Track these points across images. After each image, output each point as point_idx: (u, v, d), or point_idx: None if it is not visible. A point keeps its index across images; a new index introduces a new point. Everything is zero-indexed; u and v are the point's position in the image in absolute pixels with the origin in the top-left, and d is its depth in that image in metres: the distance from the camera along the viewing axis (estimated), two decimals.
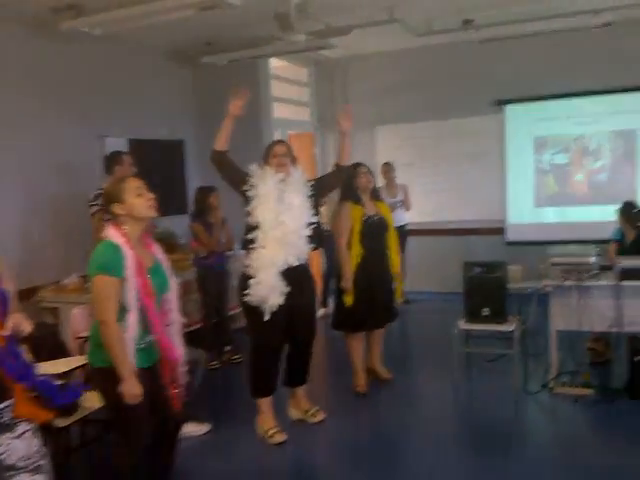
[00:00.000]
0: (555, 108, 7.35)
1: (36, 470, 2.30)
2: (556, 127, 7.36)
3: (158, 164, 6.57)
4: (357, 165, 4.73)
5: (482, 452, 3.83)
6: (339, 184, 4.39)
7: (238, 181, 3.88)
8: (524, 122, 7.50)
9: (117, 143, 6.07)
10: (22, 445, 2.28)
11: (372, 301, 4.62)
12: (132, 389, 2.61)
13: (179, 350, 2.89)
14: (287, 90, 8.21)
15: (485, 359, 5.04)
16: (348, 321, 4.69)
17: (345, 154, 4.15)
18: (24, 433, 2.31)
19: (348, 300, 4.58)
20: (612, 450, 3.73)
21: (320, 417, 4.27)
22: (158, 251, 2.89)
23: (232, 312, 5.89)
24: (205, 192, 5.64)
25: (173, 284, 2.90)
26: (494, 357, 4.96)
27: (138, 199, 2.73)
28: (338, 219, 4.66)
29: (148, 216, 2.78)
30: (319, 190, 4.04)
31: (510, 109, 7.57)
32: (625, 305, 4.29)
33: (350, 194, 4.66)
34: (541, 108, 7.42)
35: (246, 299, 3.85)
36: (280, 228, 3.77)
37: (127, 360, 2.62)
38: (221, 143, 3.85)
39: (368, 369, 4.96)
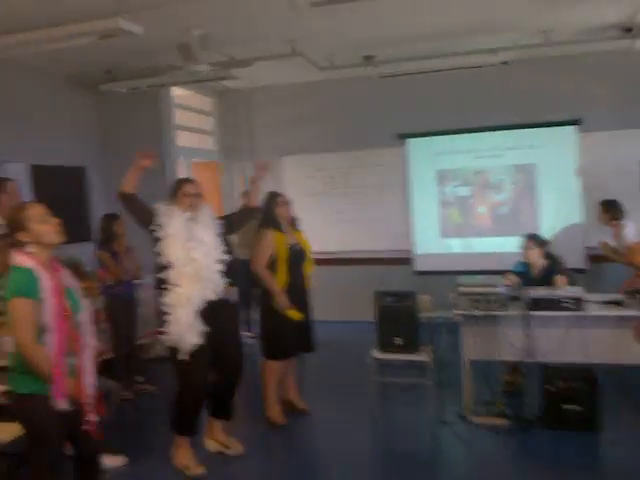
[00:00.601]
0: (455, 142, 7.57)
1: None
2: (457, 161, 7.57)
3: (60, 190, 6.42)
4: (276, 195, 4.73)
5: None
6: (248, 222, 4.43)
7: (145, 220, 3.83)
8: (426, 155, 7.68)
9: (17, 168, 5.89)
10: None
11: (298, 327, 4.61)
12: None
13: (92, 376, 2.86)
14: (191, 119, 8.09)
15: (400, 388, 5.04)
16: (281, 346, 4.63)
17: (254, 198, 4.35)
18: None
19: (295, 315, 4.56)
20: (526, 478, 3.76)
21: (238, 449, 4.20)
22: (66, 275, 2.86)
23: (142, 341, 5.84)
24: (110, 220, 5.55)
25: (85, 307, 2.89)
26: (408, 387, 4.96)
27: (43, 226, 2.72)
28: (259, 246, 4.59)
29: (55, 242, 2.77)
30: (228, 228, 4.10)
31: (412, 142, 7.73)
32: (535, 335, 4.37)
33: (271, 222, 4.63)
34: (441, 142, 7.62)
35: (163, 338, 3.76)
36: (192, 265, 3.75)
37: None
38: (128, 186, 3.79)
39: (283, 400, 4.87)
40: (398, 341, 4.68)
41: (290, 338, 4.62)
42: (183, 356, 3.73)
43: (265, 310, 4.68)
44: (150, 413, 5.08)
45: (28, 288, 2.61)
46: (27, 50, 5.03)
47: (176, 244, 3.75)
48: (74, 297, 2.83)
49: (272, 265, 4.57)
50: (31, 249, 2.69)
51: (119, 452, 4.07)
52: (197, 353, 3.75)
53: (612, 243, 5.79)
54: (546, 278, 4.89)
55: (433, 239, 7.69)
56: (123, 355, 5.49)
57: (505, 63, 6.48)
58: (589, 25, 5.96)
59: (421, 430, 4.57)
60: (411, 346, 4.66)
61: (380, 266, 7.72)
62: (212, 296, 3.82)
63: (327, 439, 4.50)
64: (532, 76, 7.19)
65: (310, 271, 4.87)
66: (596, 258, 6.67)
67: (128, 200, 3.79)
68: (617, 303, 4.44)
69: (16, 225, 2.71)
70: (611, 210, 5.91)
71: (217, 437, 4.22)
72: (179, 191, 3.89)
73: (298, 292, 4.66)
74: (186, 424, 3.94)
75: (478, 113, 7.35)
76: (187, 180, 4.07)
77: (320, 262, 7.67)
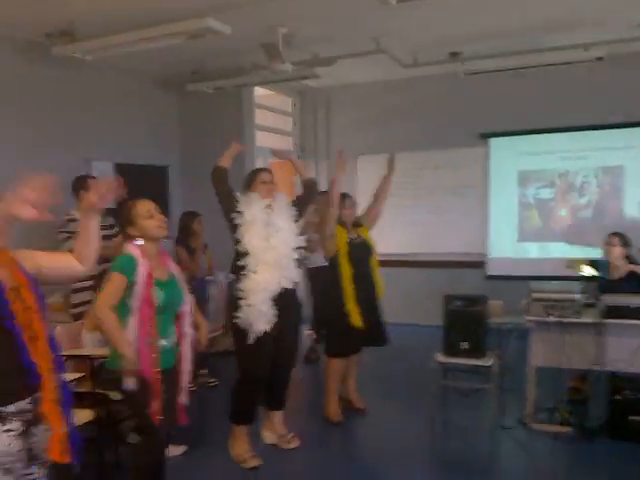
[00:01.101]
0: (540, 142, 7.36)
1: (7, 471, 2.16)
2: (541, 162, 7.36)
3: (143, 188, 6.54)
4: (343, 196, 4.78)
5: None
6: (313, 199, 4.48)
7: (228, 204, 3.92)
8: (508, 156, 7.51)
9: (103, 167, 6.18)
10: (3, 440, 2.11)
11: (368, 322, 4.63)
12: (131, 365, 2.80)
13: (189, 364, 3.13)
14: (270, 119, 8.25)
15: (462, 393, 4.97)
16: (345, 345, 4.67)
17: (334, 195, 4.52)
18: (12, 430, 2.12)
19: (356, 321, 4.56)
20: None
21: (295, 443, 4.26)
22: (174, 267, 3.12)
23: (211, 335, 5.87)
24: (189, 217, 5.73)
25: (188, 299, 3.12)
26: (470, 391, 4.89)
27: (149, 221, 2.97)
28: (324, 223, 4.67)
29: (158, 236, 3.01)
30: (300, 210, 4.15)
31: (494, 142, 7.58)
32: (607, 343, 4.23)
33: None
34: (526, 142, 7.43)
35: (235, 320, 3.84)
36: (271, 253, 3.83)
37: (126, 342, 2.81)
38: (225, 160, 3.95)
39: (341, 397, 4.90)
40: (464, 345, 4.59)
41: (354, 336, 4.63)
42: (250, 341, 3.80)
43: (328, 306, 4.73)
44: (212, 405, 5.20)
45: (127, 268, 2.87)
46: (118, 51, 5.25)
47: (255, 231, 3.82)
48: (177, 288, 3.05)
49: (334, 259, 4.61)
50: (139, 242, 2.95)
51: (181, 442, 4.17)
52: (261, 342, 3.82)
53: None
54: (630, 284, 4.72)
55: (509, 243, 7.52)
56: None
57: (600, 59, 6.22)
58: None
59: (479, 434, 4.52)
60: (477, 351, 4.56)
61: (452, 269, 7.61)
62: (287, 284, 3.90)
63: (383, 439, 4.50)
64: (622, 74, 6.84)
65: (377, 266, 4.89)
66: None
67: (222, 175, 3.90)
68: None
69: (126, 220, 2.99)
70: None
71: (275, 430, 4.28)
72: (256, 179, 3.96)
73: (364, 285, 4.68)
74: (243, 414, 4.01)
75: (563, 113, 7.09)
76: (263, 169, 4.16)
77: (390, 264, 7.71)
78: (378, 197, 5.06)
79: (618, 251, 4.92)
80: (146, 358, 2.85)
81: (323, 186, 8.19)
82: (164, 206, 7.13)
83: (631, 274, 4.83)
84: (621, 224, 6.75)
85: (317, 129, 8.51)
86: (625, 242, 4.97)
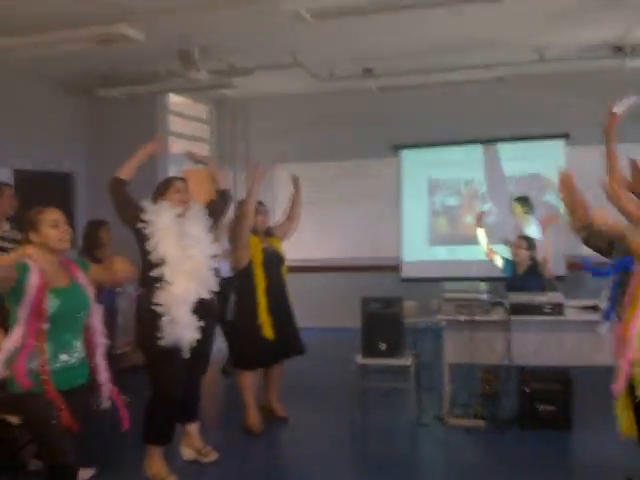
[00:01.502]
0: (447, 154, 7.78)
1: None
2: (448, 172, 7.78)
3: (45, 196, 6.29)
4: (259, 204, 4.76)
5: None
6: (227, 209, 4.38)
7: (130, 215, 3.74)
8: (418, 166, 7.90)
9: (1, 173, 5.82)
10: None
11: (283, 332, 4.63)
12: None
13: (107, 372, 3.01)
14: (186, 126, 8.18)
15: (382, 393, 5.13)
16: (254, 357, 4.61)
17: (249, 203, 4.51)
18: None
19: (268, 333, 4.53)
20: (502, 477, 3.87)
21: (213, 456, 4.12)
22: (81, 276, 2.94)
23: (120, 351, 5.75)
24: (95, 226, 5.45)
25: (94, 308, 2.97)
26: (390, 391, 5.05)
27: (52, 230, 2.83)
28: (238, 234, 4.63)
29: (59, 248, 2.87)
30: (215, 219, 4.07)
31: (405, 153, 7.95)
32: (514, 338, 4.50)
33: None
34: (434, 153, 7.84)
35: (161, 342, 3.63)
36: (189, 262, 3.71)
37: None
38: (125, 172, 3.74)
39: (264, 407, 4.88)
40: (382, 346, 4.77)
41: (266, 347, 4.58)
42: (186, 354, 3.71)
43: (239, 317, 4.68)
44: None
45: (21, 269, 2.68)
46: (25, 53, 5.07)
47: (169, 240, 3.66)
48: (80, 296, 2.89)
49: (248, 269, 4.60)
50: (37, 249, 2.81)
51: (89, 463, 3.88)
52: (175, 359, 3.70)
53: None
54: (529, 278, 5.16)
55: (421, 247, 7.86)
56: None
57: (500, 79, 6.64)
58: (583, 44, 6.13)
59: (399, 433, 4.66)
60: (395, 351, 4.73)
61: (368, 273, 7.85)
62: (205, 295, 3.78)
63: (306, 445, 4.52)
64: (525, 92, 7.35)
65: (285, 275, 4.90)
66: (573, 265, 6.89)
67: (120, 188, 3.71)
68: (593, 308, 4.57)
69: (29, 224, 2.85)
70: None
71: (193, 444, 4.12)
72: (170, 188, 3.82)
73: (277, 295, 4.70)
74: (159, 434, 3.81)
75: (471, 126, 7.54)
76: (177, 178, 4.04)
77: (309, 269, 7.92)
78: (291, 216, 5.08)
79: (524, 254, 5.35)
80: (21, 372, 2.68)
81: (242, 195, 8.25)
82: (69, 214, 6.82)
83: (531, 268, 5.30)
84: (519, 229, 7.21)
85: (235, 138, 8.55)
86: (530, 245, 5.38)
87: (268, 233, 4.89)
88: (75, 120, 7.21)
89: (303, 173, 8.11)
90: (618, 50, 6.17)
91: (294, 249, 7.49)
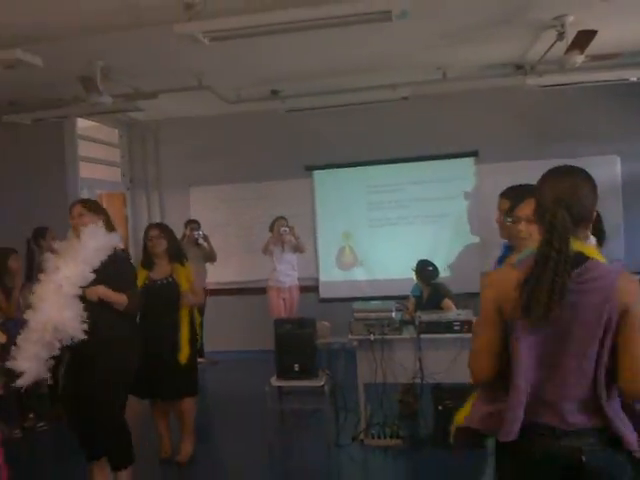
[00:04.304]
0: (358, 175, 7.88)
1: None
2: (360, 193, 7.91)
3: None
4: (147, 228, 4.58)
5: None
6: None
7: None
8: (331, 187, 7.96)
9: None
10: None
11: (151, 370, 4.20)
12: None
13: None
14: (96, 150, 8.01)
15: (299, 415, 5.11)
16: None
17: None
18: None
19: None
20: None
21: None
22: None
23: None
24: (3, 255, 5.33)
25: None
26: (307, 413, 5.04)
27: None
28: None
29: None
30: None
31: (318, 174, 7.99)
32: (425, 357, 4.52)
33: (143, 258, 4.51)
34: (346, 174, 7.91)
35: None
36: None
37: None
38: None
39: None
40: (296, 367, 4.75)
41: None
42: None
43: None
44: (42, 450, 4.93)
45: None
46: None
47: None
48: None
49: None
50: None
51: None
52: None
53: None
54: (433, 303, 5.20)
55: (337, 267, 7.92)
56: (14, 393, 5.10)
57: (405, 98, 6.78)
58: (483, 62, 6.32)
59: (316, 454, 4.65)
60: (309, 372, 4.74)
61: None
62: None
63: (223, 470, 4.52)
64: (431, 111, 7.54)
65: (186, 306, 4.45)
66: None
67: None
68: None
69: None
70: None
71: None
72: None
73: (154, 330, 4.24)
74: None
75: (380, 146, 7.68)
76: (73, 203, 3.81)
77: (224, 292, 7.87)
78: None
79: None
80: None
81: (156, 218, 8.11)
82: None
83: (432, 294, 5.35)
84: (433, 247, 7.39)
85: (146, 161, 8.42)
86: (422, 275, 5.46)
87: (175, 257, 4.50)
88: None
89: (216, 196, 8.20)
90: (518, 68, 6.42)
91: (210, 272, 7.47)
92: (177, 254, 4.53)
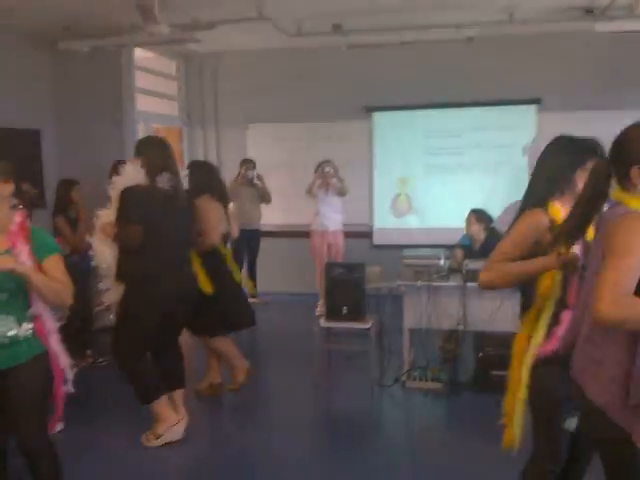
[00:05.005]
0: (420, 118, 7.65)
1: None
2: (421, 137, 7.67)
3: (11, 153, 5.95)
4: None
5: (339, 443, 4.01)
6: None
7: None
8: (391, 130, 7.74)
9: None
10: None
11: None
12: None
13: (66, 358, 2.86)
14: (154, 82, 7.95)
15: (345, 356, 5.20)
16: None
17: None
18: None
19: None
20: (456, 437, 4.06)
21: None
22: (20, 242, 2.66)
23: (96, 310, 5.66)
24: (66, 186, 5.44)
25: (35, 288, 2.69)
26: (353, 354, 5.13)
27: None
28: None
29: None
30: None
31: (378, 116, 7.77)
32: (469, 305, 4.55)
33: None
34: (407, 117, 7.68)
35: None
36: None
37: None
38: None
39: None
40: (345, 310, 4.81)
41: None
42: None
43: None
44: (97, 384, 5.01)
45: None
46: None
47: None
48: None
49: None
50: None
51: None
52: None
53: None
54: (486, 252, 5.02)
55: (391, 215, 7.84)
56: (76, 327, 5.26)
57: (470, 39, 6.51)
58: (552, 4, 5.99)
59: (360, 393, 4.79)
60: (357, 315, 4.80)
61: None
62: None
63: (270, 405, 4.73)
64: (494, 54, 7.20)
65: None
66: None
67: None
68: None
69: None
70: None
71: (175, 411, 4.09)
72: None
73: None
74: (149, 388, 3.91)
75: (440, 89, 7.40)
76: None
77: (278, 234, 7.85)
78: None
79: (476, 228, 5.22)
80: None
81: (212, 155, 8.14)
82: (37, 173, 6.64)
83: (487, 242, 5.12)
84: (486, 196, 7.14)
85: (204, 95, 8.31)
86: (483, 218, 5.25)
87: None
88: (39, 74, 6.85)
89: (273, 134, 8.11)
90: (588, 12, 6.07)
91: (263, 214, 7.48)
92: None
